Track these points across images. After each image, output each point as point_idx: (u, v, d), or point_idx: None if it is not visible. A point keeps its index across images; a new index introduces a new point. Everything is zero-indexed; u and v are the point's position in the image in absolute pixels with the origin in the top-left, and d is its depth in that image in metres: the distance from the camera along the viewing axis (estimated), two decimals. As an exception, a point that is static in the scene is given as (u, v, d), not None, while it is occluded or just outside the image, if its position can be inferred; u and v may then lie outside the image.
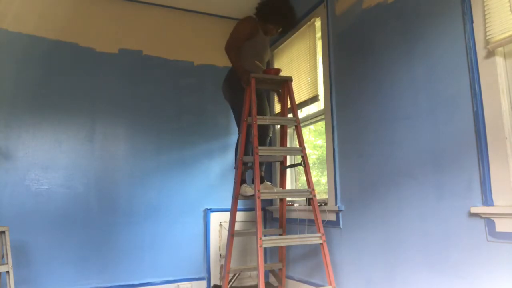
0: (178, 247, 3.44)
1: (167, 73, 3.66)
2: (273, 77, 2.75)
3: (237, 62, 2.78)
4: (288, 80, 2.80)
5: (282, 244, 2.40)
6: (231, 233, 2.74)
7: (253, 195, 2.71)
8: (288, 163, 3.40)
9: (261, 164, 2.98)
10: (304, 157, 2.60)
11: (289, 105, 2.89)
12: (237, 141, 2.97)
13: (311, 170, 2.62)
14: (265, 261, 3.72)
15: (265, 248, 3.63)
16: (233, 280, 3.39)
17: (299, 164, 2.68)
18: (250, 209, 3.73)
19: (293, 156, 3.57)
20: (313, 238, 2.42)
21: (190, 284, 3.41)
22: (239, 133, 2.88)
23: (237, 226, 3.68)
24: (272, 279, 3.61)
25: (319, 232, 2.43)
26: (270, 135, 3.05)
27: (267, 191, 2.50)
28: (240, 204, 3.76)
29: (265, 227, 3.77)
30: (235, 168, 2.87)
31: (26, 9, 3.22)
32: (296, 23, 2.98)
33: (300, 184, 3.68)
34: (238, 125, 2.90)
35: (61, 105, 3.23)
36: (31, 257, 2.97)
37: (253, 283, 3.57)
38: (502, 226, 1.69)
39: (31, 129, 3.11)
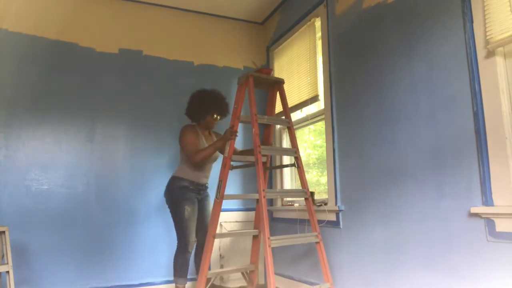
0: (178, 247, 3.44)
1: (167, 73, 3.66)
2: (268, 77, 2.83)
3: (208, 149, 2.75)
4: (281, 82, 2.88)
5: (283, 244, 2.42)
6: (212, 234, 2.61)
7: None
8: (288, 163, 3.41)
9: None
10: (297, 158, 2.64)
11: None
12: (175, 258, 2.80)
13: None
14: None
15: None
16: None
17: (293, 165, 2.72)
18: (251, 209, 3.73)
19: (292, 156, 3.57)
20: (310, 237, 2.50)
21: (189, 284, 3.40)
22: (178, 248, 2.78)
23: (236, 226, 3.68)
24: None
25: (315, 231, 2.49)
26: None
27: (271, 191, 2.57)
28: (240, 203, 3.76)
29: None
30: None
31: (26, 9, 3.22)
32: (228, 110, 2.93)
33: (299, 184, 3.67)
34: (179, 239, 2.77)
35: (61, 105, 3.22)
36: (31, 257, 2.97)
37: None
38: (502, 226, 1.69)
39: (31, 129, 3.11)
